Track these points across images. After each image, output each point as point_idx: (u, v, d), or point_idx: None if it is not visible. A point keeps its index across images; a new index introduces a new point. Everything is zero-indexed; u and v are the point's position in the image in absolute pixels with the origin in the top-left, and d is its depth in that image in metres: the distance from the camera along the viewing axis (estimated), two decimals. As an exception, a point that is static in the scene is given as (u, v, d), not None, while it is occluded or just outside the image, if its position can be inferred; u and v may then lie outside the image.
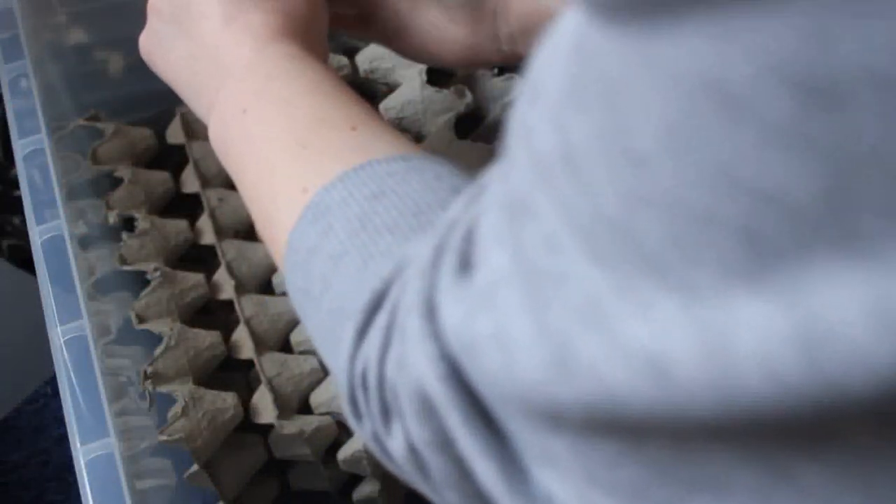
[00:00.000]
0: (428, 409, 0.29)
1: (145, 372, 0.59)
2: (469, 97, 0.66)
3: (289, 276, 0.40)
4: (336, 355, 0.35)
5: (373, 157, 0.39)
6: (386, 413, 0.32)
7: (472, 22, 0.50)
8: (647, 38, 0.19)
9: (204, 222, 0.74)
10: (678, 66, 0.19)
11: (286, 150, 0.42)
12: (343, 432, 0.64)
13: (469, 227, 0.28)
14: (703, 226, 0.19)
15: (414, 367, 0.29)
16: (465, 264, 0.27)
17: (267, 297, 0.69)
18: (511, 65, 0.60)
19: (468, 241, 0.28)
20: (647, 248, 0.21)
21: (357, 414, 0.34)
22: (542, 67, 0.24)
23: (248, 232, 0.76)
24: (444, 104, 0.65)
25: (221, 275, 0.70)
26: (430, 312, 0.28)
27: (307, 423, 0.62)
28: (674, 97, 0.19)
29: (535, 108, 0.24)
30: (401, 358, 0.30)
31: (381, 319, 0.32)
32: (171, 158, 0.79)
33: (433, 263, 0.29)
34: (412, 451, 0.32)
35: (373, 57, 0.69)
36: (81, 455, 0.49)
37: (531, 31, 0.49)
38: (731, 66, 0.18)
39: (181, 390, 0.59)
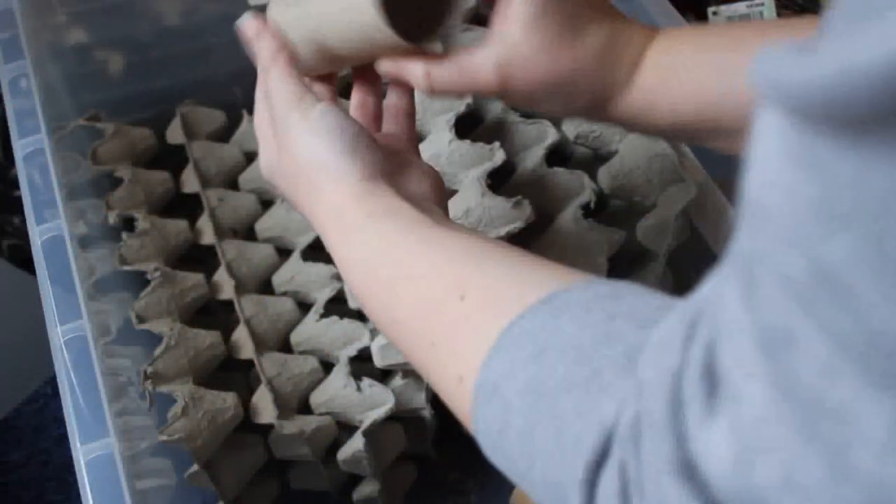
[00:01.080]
0: None
1: (145, 372, 0.59)
2: (469, 97, 0.66)
3: (489, 455, 0.39)
4: None
5: (514, 312, 0.36)
6: None
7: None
8: (886, 145, 0.19)
9: (204, 222, 0.74)
10: None
11: (419, 347, 0.41)
12: (343, 432, 0.64)
13: (704, 366, 0.26)
14: None
15: None
16: (712, 406, 0.25)
17: (267, 297, 0.69)
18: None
19: (710, 381, 0.25)
20: None
21: None
22: (760, 189, 0.23)
23: (248, 232, 0.76)
24: (444, 104, 0.65)
25: (221, 275, 0.70)
26: (688, 468, 0.25)
27: (307, 423, 0.62)
28: None
29: (765, 233, 0.22)
30: None
31: (608, 487, 0.29)
32: (171, 158, 0.79)
33: (671, 416, 0.26)
34: None
35: (373, 57, 0.69)
36: (81, 455, 0.49)
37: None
38: None
39: (181, 390, 0.59)
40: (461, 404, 0.39)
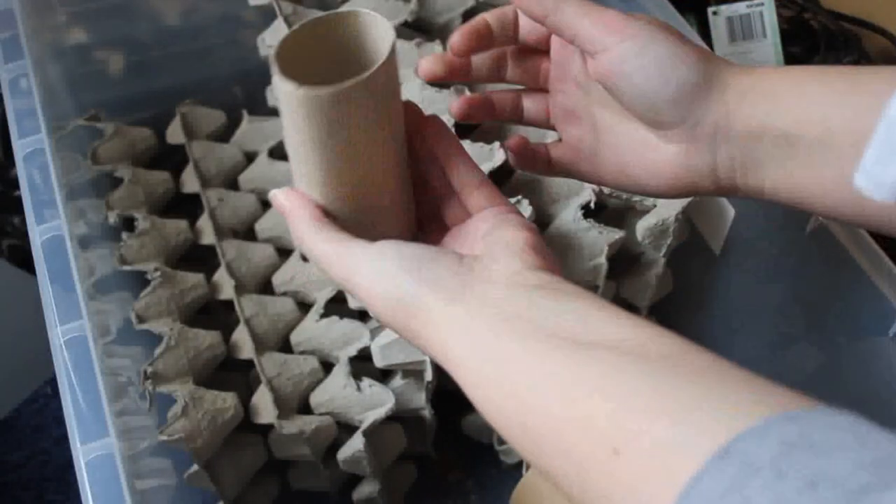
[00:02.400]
0: None
1: (145, 372, 0.59)
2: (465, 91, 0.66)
3: None
4: None
5: (685, 472, 0.27)
6: None
7: (687, 141, 0.42)
8: None
9: (204, 222, 0.74)
10: None
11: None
12: (343, 432, 0.64)
13: None
14: None
15: None
16: None
17: (267, 297, 0.69)
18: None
19: None
20: None
21: None
22: None
23: (247, 232, 0.76)
24: (444, 104, 0.65)
25: (221, 275, 0.70)
26: None
27: (307, 423, 0.62)
28: None
29: None
30: None
31: None
32: (171, 158, 0.80)
33: None
34: None
35: (373, 57, 0.69)
36: (81, 455, 0.49)
37: (756, 160, 0.41)
38: None
39: (181, 390, 0.59)
40: None
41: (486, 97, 0.49)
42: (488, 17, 0.46)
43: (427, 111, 0.66)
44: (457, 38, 0.45)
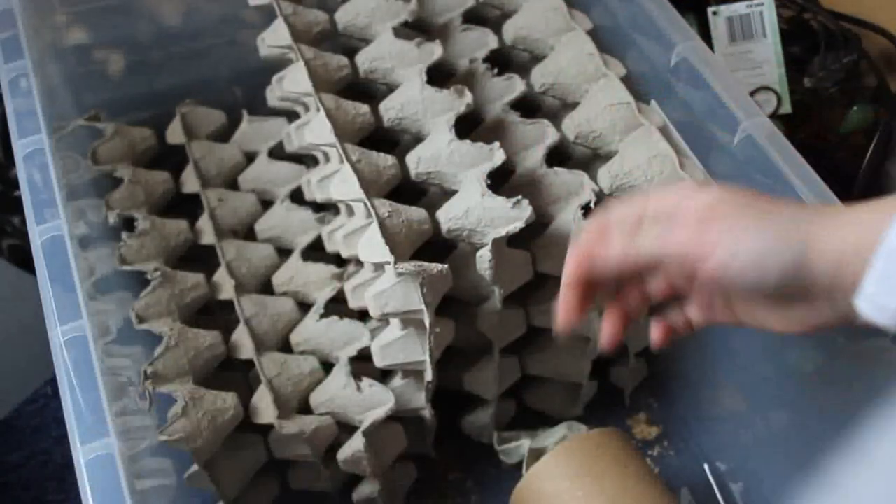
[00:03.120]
0: None
1: (145, 372, 0.59)
2: (469, 97, 0.66)
3: None
4: None
5: None
6: None
7: (808, 301, 0.44)
8: None
9: (204, 222, 0.74)
10: None
11: None
12: (343, 432, 0.64)
13: None
14: None
15: None
16: None
17: (267, 297, 0.69)
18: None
19: None
20: None
21: None
22: None
23: (248, 232, 0.76)
24: (444, 104, 0.65)
25: (221, 275, 0.70)
26: None
27: (307, 423, 0.62)
28: None
29: None
30: None
31: None
32: (171, 158, 0.79)
33: None
34: None
35: (373, 57, 0.69)
36: (81, 455, 0.49)
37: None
38: None
39: (181, 390, 0.59)
40: None
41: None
42: (574, 286, 0.48)
43: (427, 111, 0.66)
44: (562, 316, 0.48)
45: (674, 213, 0.45)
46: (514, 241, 0.60)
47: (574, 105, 0.68)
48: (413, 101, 0.66)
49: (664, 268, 0.47)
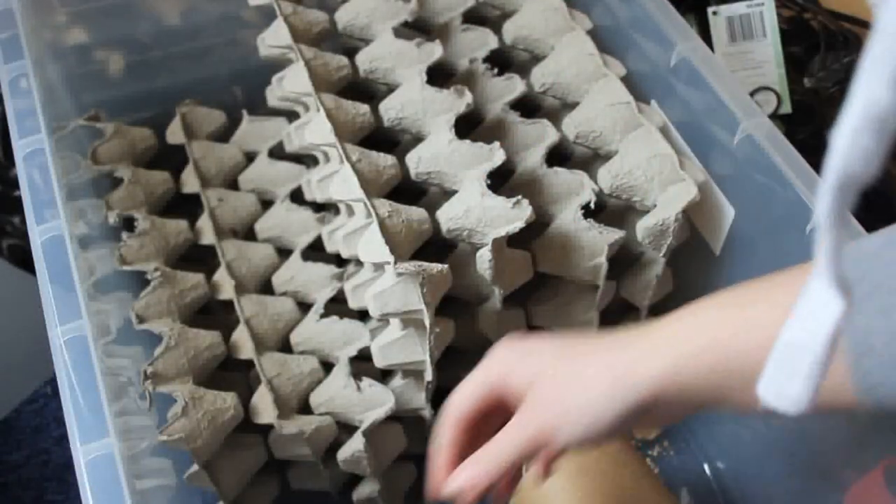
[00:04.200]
0: None
1: (145, 372, 0.59)
2: (469, 97, 0.66)
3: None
4: None
5: None
6: None
7: (650, 421, 0.48)
8: None
9: (204, 222, 0.74)
10: None
11: None
12: (343, 432, 0.64)
13: None
14: None
15: None
16: None
17: (267, 297, 0.69)
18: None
19: None
20: None
21: None
22: None
23: (248, 232, 0.76)
24: (444, 104, 0.65)
25: (221, 275, 0.70)
26: None
27: (307, 423, 0.62)
28: None
29: None
30: None
31: None
32: (171, 158, 0.79)
33: None
34: None
35: (373, 57, 0.69)
36: (81, 455, 0.49)
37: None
38: None
39: (181, 390, 0.59)
40: None
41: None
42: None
43: (427, 111, 0.66)
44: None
45: (511, 400, 0.47)
46: (514, 241, 0.60)
47: (574, 105, 0.68)
48: (413, 101, 0.66)
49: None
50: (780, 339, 0.33)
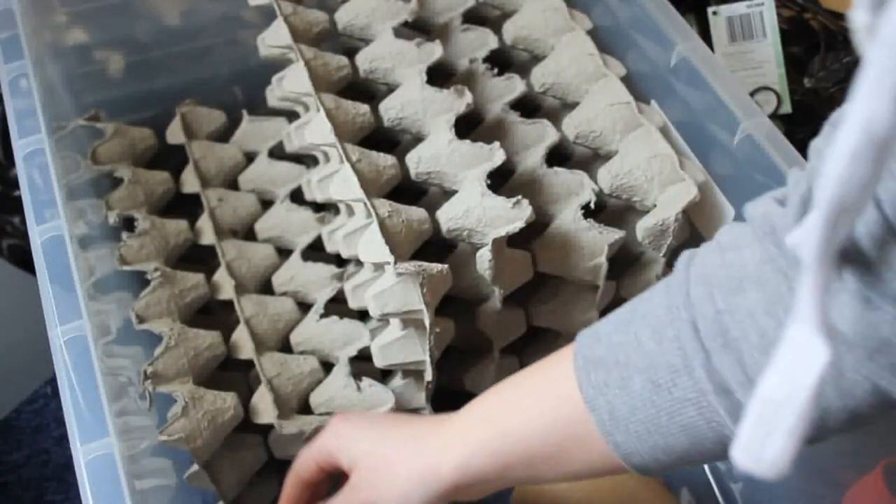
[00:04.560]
0: None
1: (145, 372, 0.59)
2: (469, 97, 0.66)
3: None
4: None
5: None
6: None
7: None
8: None
9: (204, 222, 0.74)
10: None
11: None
12: (343, 432, 0.64)
13: None
14: None
15: None
16: None
17: (267, 297, 0.69)
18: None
19: None
20: None
21: None
22: None
23: (248, 232, 0.76)
24: (444, 104, 0.65)
25: (221, 275, 0.70)
26: None
27: (307, 423, 0.62)
28: None
29: None
30: None
31: None
32: (171, 158, 0.79)
33: None
34: None
35: (373, 57, 0.69)
36: (81, 455, 0.49)
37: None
38: None
39: (181, 390, 0.59)
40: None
41: None
42: None
43: (427, 111, 0.66)
44: None
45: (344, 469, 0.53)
46: (514, 241, 0.60)
47: (574, 105, 0.68)
48: (413, 101, 0.66)
49: None
50: (755, 397, 0.31)
